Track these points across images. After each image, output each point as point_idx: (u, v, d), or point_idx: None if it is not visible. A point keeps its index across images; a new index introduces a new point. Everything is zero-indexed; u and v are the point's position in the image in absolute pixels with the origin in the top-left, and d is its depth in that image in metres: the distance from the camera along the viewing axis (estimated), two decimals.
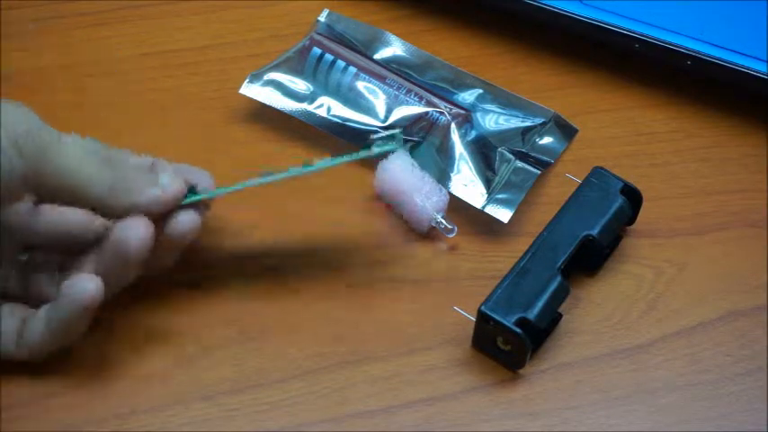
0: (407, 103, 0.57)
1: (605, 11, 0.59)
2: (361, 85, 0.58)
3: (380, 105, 0.57)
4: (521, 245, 0.52)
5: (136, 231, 0.46)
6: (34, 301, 0.48)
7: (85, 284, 0.46)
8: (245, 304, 0.51)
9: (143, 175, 0.47)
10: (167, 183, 0.47)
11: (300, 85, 0.58)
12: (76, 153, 0.46)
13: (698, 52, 0.57)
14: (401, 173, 0.54)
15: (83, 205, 0.47)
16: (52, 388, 0.48)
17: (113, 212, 0.47)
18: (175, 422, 0.48)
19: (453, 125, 0.56)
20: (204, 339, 0.50)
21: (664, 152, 0.58)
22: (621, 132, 0.59)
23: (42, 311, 0.47)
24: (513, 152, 0.56)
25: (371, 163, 0.55)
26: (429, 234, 0.54)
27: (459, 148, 0.56)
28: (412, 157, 0.56)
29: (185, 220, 0.48)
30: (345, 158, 0.51)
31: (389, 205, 0.55)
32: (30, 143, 0.45)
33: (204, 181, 0.49)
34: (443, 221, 0.54)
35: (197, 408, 0.48)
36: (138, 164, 0.48)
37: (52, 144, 0.46)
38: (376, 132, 0.56)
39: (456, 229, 0.54)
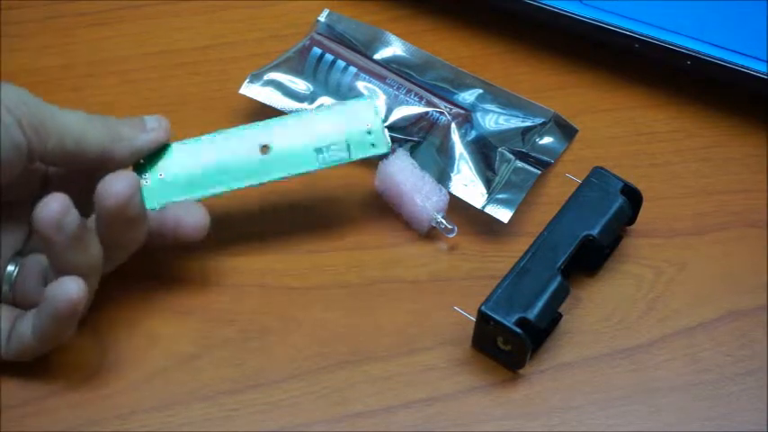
0: (407, 103, 0.57)
1: (605, 11, 0.59)
2: (361, 85, 0.58)
3: (381, 105, 0.57)
4: (521, 245, 0.52)
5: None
6: (25, 305, 0.48)
7: (68, 286, 0.45)
8: (246, 304, 0.51)
9: (133, 124, 0.50)
10: (155, 124, 0.51)
11: (300, 85, 0.58)
12: (75, 120, 0.48)
13: (698, 52, 0.57)
14: (401, 173, 0.54)
15: (86, 164, 0.49)
16: (52, 388, 0.48)
17: (114, 163, 0.49)
18: (175, 422, 0.48)
19: (453, 125, 0.56)
20: (204, 339, 0.50)
21: (664, 152, 0.58)
22: (621, 132, 0.59)
23: (29, 314, 0.47)
24: (513, 152, 0.56)
25: (372, 163, 0.55)
26: (429, 234, 0.54)
27: (459, 148, 0.56)
28: (412, 157, 0.56)
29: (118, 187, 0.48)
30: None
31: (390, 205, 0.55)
32: (32, 119, 0.46)
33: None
34: (443, 221, 0.54)
35: (197, 408, 0.48)
36: (126, 119, 0.50)
37: (53, 115, 0.47)
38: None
39: (456, 229, 0.54)
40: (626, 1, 0.59)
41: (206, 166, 0.51)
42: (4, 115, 0.45)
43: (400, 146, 0.56)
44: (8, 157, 0.46)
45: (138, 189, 0.47)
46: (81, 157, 0.48)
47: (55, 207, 0.45)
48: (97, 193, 0.47)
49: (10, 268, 0.49)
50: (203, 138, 0.52)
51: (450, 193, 0.55)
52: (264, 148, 0.52)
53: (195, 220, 0.50)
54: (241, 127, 0.52)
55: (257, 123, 0.52)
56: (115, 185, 0.46)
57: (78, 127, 0.48)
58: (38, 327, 0.47)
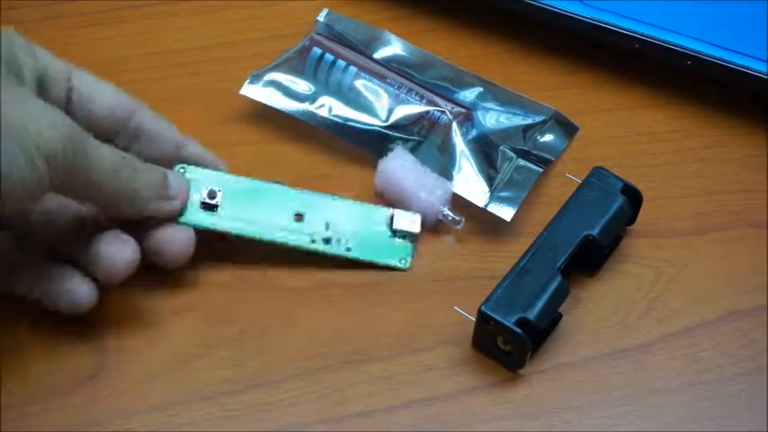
0: (408, 102, 0.57)
1: (605, 11, 0.59)
2: (361, 85, 0.58)
3: (381, 105, 0.57)
4: (521, 245, 0.52)
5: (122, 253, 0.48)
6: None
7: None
8: (246, 304, 0.51)
9: (152, 182, 0.49)
10: (175, 191, 0.50)
11: (301, 85, 0.58)
12: (109, 165, 0.46)
13: (698, 52, 0.57)
14: (402, 170, 0.54)
15: (95, 206, 0.48)
16: (53, 388, 0.48)
17: (121, 215, 0.49)
18: (175, 422, 0.48)
19: (454, 124, 0.56)
20: (204, 339, 0.50)
21: (664, 152, 0.58)
22: (621, 132, 0.59)
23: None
24: (514, 150, 0.56)
25: (371, 162, 0.55)
26: (434, 229, 0.54)
27: (460, 146, 0.56)
28: (413, 156, 0.56)
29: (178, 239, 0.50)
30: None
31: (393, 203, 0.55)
32: (65, 166, 0.44)
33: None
34: (450, 213, 0.54)
35: (197, 408, 0.48)
36: (151, 171, 0.49)
37: (89, 165, 0.45)
38: (380, 133, 0.56)
39: (463, 220, 0.54)
40: (626, 1, 0.59)
41: (245, 207, 0.52)
42: (40, 161, 0.43)
43: (399, 143, 0.56)
44: (21, 194, 0.44)
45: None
46: (94, 201, 0.48)
47: (128, 256, 0.48)
48: (156, 244, 0.49)
49: None
50: (246, 179, 0.53)
51: (452, 192, 0.55)
52: (298, 216, 0.53)
53: (179, 248, 0.50)
54: (281, 185, 0.53)
55: (300, 190, 0.53)
56: (177, 246, 0.50)
57: (105, 179, 0.46)
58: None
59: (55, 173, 0.44)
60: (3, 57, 0.45)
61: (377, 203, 0.54)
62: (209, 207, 0.51)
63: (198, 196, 0.51)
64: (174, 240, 0.50)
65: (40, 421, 0.47)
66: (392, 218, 0.53)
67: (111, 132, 0.50)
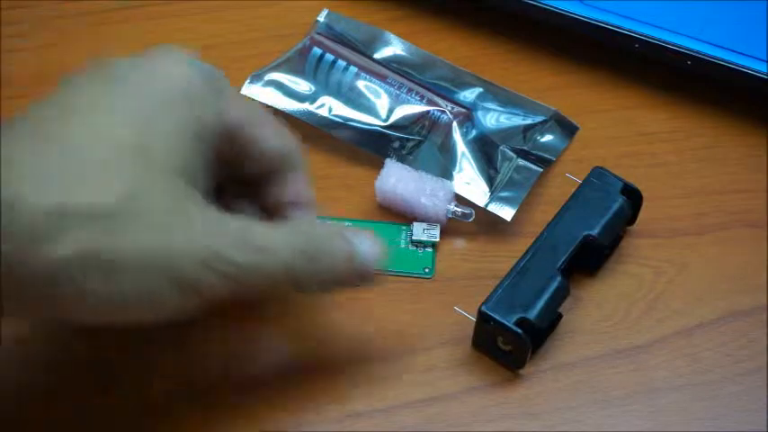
0: (408, 102, 0.57)
1: (605, 11, 0.59)
2: (362, 85, 0.58)
3: (382, 104, 0.57)
4: (521, 245, 0.52)
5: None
6: None
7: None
8: (246, 304, 0.51)
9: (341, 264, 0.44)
10: (367, 250, 0.45)
11: (301, 85, 0.58)
12: (284, 258, 0.42)
13: (698, 52, 0.57)
14: (399, 183, 0.54)
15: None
16: (52, 388, 0.48)
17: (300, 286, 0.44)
18: (176, 422, 0.48)
19: (455, 124, 0.56)
20: (204, 339, 0.50)
21: (664, 152, 0.58)
22: (621, 132, 0.59)
23: None
24: (514, 150, 0.56)
25: (371, 162, 0.55)
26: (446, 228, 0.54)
27: (460, 146, 0.56)
28: (413, 156, 0.56)
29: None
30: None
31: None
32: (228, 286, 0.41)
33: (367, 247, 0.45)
34: (458, 209, 0.54)
35: (199, 408, 0.48)
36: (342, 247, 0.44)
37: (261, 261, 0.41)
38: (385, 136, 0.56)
39: (473, 212, 0.54)
40: (626, 1, 0.59)
41: None
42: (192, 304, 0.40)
43: (389, 156, 0.55)
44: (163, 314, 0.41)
45: None
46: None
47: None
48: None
49: None
50: None
51: (454, 189, 0.55)
52: None
53: None
54: None
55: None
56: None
57: (285, 268, 0.42)
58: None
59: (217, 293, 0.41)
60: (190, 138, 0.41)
61: (391, 220, 0.55)
62: None
63: None
64: None
65: (40, 421, 0.47)
66: (411, 230, 0.54)
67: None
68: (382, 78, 0.58)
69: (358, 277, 0.44)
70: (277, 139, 0.46)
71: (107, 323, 0.40)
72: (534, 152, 0.56)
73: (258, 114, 0.46)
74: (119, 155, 0.39)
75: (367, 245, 0.45)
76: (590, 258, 0.52)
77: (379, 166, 0.55)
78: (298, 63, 0.59)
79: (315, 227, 0.46)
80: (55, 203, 0.37)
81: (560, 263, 0.50)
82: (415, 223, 0.54)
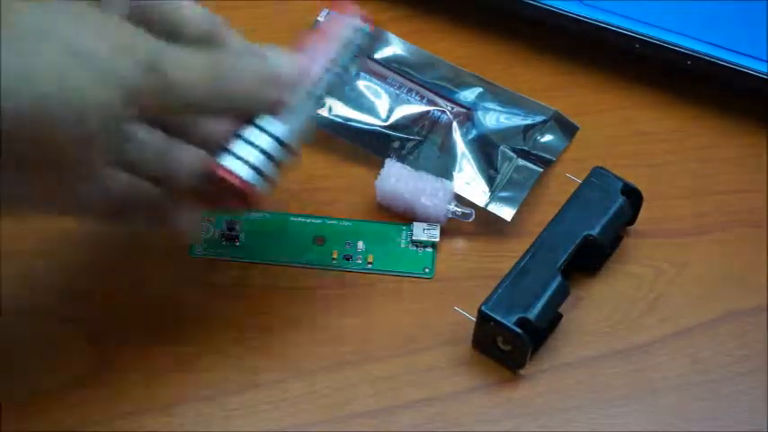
0: (409, 102, 0.57)
1: (605, 11, 0.59)
2: (362, 85, 0.58)
3: (382, 104, 0.57)
4: (521, 245, 0.52)
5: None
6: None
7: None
8: (246, 304, 0.51)
9: (260, 75, 0.44)
10: (284, 63, 0.44)
11: None
12: (199, 70, 0.42)
13: (698, 52, 0.57)
14: (399, 183, 0.54)
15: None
16: (53, 388, 0.48)
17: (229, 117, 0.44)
18: (175, 422, 0.48)
19: (455, 123, 0.56)
20: (204, 339, 0.50)
21: (663, 152, 0.58)
22: (621, 132, 0.59)
23: None
24: (514, 150, 0.56)
25: (371, 162, 0.55)
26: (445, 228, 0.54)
27: (460, 146, 0.56)
28: (413, 156, 0.56)
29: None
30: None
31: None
32: (139, 68, 0.40)
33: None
34: (458, 209, 0.54)
35: (197, 408, 0.48)
36: (258, 69, 0.44)
37: (172, 63, 0.41)
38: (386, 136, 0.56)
39: (473, 212, 0.54)
40: (626, 1, 0.59)
41: (265, 237, 0.53)
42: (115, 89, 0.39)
43: (389, 157, 0.55)
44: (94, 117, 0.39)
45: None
46: (192, 113, 0.44)
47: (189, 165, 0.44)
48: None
49: None
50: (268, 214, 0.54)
51: (454, 189, 0.55)
52: (320, 240, 0.53)
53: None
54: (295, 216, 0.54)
55: (316, 217, 0.54)
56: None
57: (196, 92, 0.42)
58: None
59: (137, 99, 0.40)
60: None
61: (391, 220, 0.55)
62: (230, 238, 0.53)
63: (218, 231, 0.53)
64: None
65: (40, 422, 0.47)
66: (411, 230, 0.54)
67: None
68: (382, 78, 0.58)
69: (271, 91, 0.44)
70: (194, 9, 0.46)
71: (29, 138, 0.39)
72: (534, 152, 0.56)
73: None
74: None
75: (283, 60, 0.44)
76: (590, 258, 0.52)
77: (379, 166, 0.55)
78: None
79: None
80: None
81: (560, 263, 0.50)
82: (415, 223, 0.54)
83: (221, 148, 0.44)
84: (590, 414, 0.49)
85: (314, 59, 0.46)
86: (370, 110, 0.57)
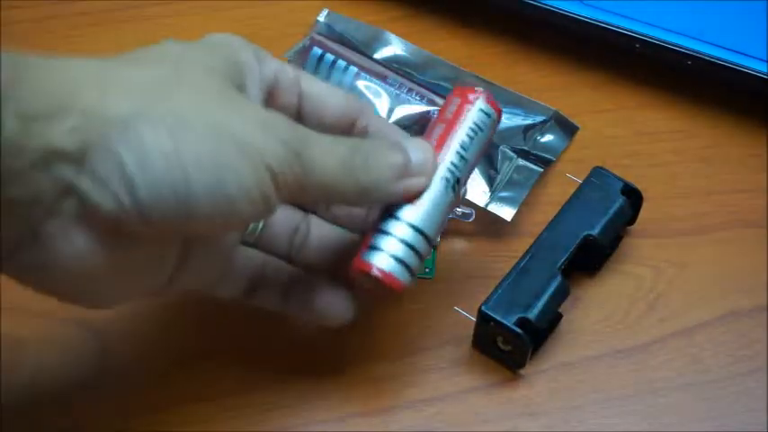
0: (409, 102, 0.57)
1: (605, 11, 0.58)
2: (362, 85, 0.58)
3: (382, 104, 0.57)
4: (521, 245, 0.52)
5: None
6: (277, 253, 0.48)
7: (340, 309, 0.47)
8: (245, 305, 0.51)
9: (395, 165, 0.43)
10: (420, 162, 0.44)
11: None
12: (337, 161, 0.42)
13: (698, 52, 0.57)
14: None
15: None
16: (52, 388, 0.48)
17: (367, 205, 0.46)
18: (175, 422, 0.48)
19: None
20: (204, 340, 0.50)
21: (664, 152, 0.58)
22: (621, 132, 0.59)
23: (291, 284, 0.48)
24: (514, 150, 0.56)
25: None
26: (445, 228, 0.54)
27: None
28: None
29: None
30: None
31: None
32: (289, 158, 0.40)
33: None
34: (459, 209, 0.54)
35: (197, 408, 0.48)
36: (386, 151, 0.44)
37: (312, 153, 0.41)
38: None
39: (473, 212, 0.54)
40: (627, 1, 0.59)
41: None
42: (264, 174, 0.39)
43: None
44: (251, 218, 0.42)
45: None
46: (333, 201, 0.46)
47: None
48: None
49: None
50: None
51: None
52: None
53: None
54: None
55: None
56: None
57: (333, 187, 0.42)
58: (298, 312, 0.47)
59: (281, 182, 0.39)
60: (222, 66, 0.41)
61: None
62: None
63: None
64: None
65: (41, 422, 0.47)
66: None
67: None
68: (382, 78, 0.58)
69: (406, 182, 0.44)
70: (333, 90, 0.47)
71: (173, 224, 0.38)
72: (534, 152, 0.56)
73: (305, 73, 0.47)
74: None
75: (417, 149, 0.44)
76: (590, 258, 0.52)
77: None
78: (298, 63, 0.59)
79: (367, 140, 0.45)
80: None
81: (560, 263, 0.50)
82: None
83: (367, 245, 0.45)
84: (590, 414, 0.49)
85: (446, 147, 0.45)
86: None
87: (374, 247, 0.44)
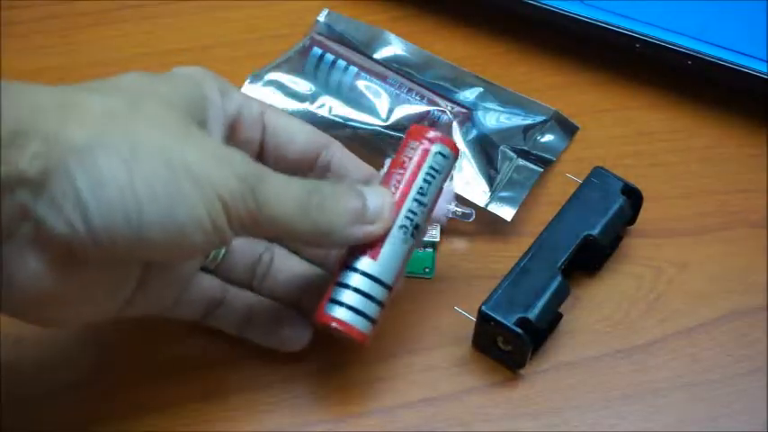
0: (409, 102, 0.57)
1: (605, 11, 0.58)
2: (362, 85, 0.58)
3: (382, 104, 0.57)
4: (521, 245, 0.52)
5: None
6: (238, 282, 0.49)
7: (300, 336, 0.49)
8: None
9: (347, 211, 0.44)
10: (378, 210, 0.45)
11: (301, 85, 0.58)
12: (293, 202, 0.42)
13: (698, 52, 0.57)
14: None
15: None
16: (52, 388, 0.48)
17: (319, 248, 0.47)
18: (176, 422, 0.48)
19: (455, 124, 0.56)
20: (205, 340, 0.50)
21: (664, 152, 0.58)
22: (621, 132, 0.59)
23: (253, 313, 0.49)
24: (514, 150, 0.56)
25: (371, 162, 0.55)
26: (445, 228, 0.54)
27: (461, 146, 0.56)
28: None
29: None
30: None
31: None
32: (246, 219, 0.41)
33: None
34: (459, 209, 0.54)
35: (197, 408, 0.48)
36: (344, 193, 0.44)
37: (268, 192, 0.41)
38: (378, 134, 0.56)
39: (473, 212, 0.54)
40: (627, 1, 0.59)
41: None
42: (217, 206, 0.40)
43: (389, 156, 0.55)
44: (203, 249, 0.43)
45: None
46: (286, 240, 0.46)
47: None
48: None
49: None
50: None
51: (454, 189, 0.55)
52: None
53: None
54: None
55: None
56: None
57: (289, 225, 0.42)
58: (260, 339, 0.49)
59: (234, 216, 0.40)
60: (182, 100, 0.42)
61: None
62: None
63: None
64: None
65: (41, 422, 0.47)
66: None
67: (301, 171, 0.47)
68: (382, 78, 0.58)
69: (361, 227, 0.44)
70: (299, 125, 0.47)
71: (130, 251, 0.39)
72: (534, 152, 0.56)
73: (271, 106, 0.47)
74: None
75: (375, 195, 0.45)
76: (590, 258, 0.52)
77: (379, 166, 0.55)
78: (298, 63, 0.59)
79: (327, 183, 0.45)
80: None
81: (560, 263, 0.50)
82: None
83: (328, 297, 0.45)
84: (590, 414, 0.49)
85: (404, 195, 0.46)
86: (370, 110, 0.57)
87: (334, 300, 0.45)
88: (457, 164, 0.55)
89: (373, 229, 0.44)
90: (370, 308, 0.45)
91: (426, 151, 0.46)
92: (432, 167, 0.46)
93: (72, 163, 0.37)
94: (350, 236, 0.44)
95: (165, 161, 0.39)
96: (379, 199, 0.45)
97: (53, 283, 0.39)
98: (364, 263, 0.45)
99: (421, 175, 0.46)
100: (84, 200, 0.37)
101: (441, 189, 0.47)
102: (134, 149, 0.38)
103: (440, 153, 0.46)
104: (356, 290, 0.45)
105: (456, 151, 0.47)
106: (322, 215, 0.43)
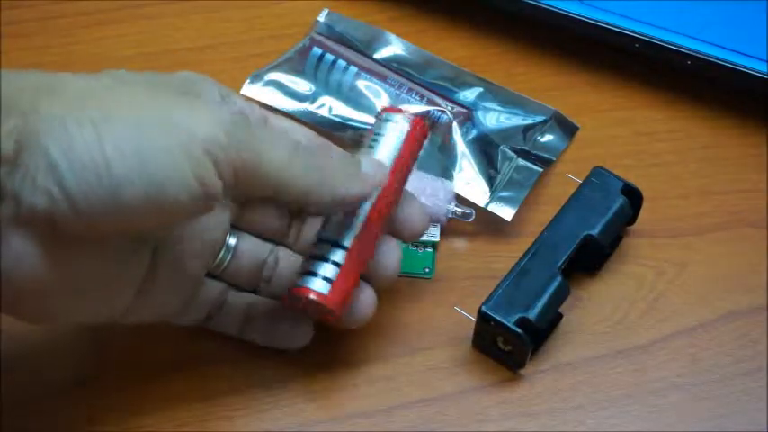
0: (409, 102, 0.57)
1: (605, 11, 0.59)
2: (362, 85, 0.58)
3: (382, 104, 0.57)
4: (521, 245, 0.52)
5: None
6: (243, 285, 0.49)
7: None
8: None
9: (345, 169, 0.44)
10: (370, 171, 0.45)
11: (301, 85, 0.58)
12: (279, 166, 0.41)
13: (698, 52, 0.57)
14: None
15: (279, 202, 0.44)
16: (52, 388, 0.48)
17: (311, 209, 0.45)
18: (176, 422, 0.48)
19: (455, 123, 0.56)
20: (205, 340, 0.50)
21: (664, 152, 0.58)
22: (621, 132, 0.59)
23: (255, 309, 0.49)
24: (514, 150, 0.56)
25: None
26: (445, 228, 0.54)
27: (461, 146, 0.56)
28: None
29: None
30: None
31: None
32: (237, 167, 0.40)
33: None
34: (459, 209, 0.54)
35: (197, 408, 0.48)
36: (339, 156, 0.45)
37: (260, 162, 0.41)
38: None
39: (473, 212, 0.54)
40: (626, 1, 0.59)
41: None
42: (200, 157, 0.39)
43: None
44: (190, 207, 0.40)
45: None
46: (278, 197, 0.44)
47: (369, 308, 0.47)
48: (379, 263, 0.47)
49: (231, 241, 0.48)
50: None
51: (454, 189, 0.55)
52: None
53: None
54: None
55: None
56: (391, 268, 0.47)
57: (281, 175, 0.41)
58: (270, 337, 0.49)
59: (225, 166, 0.39)
60: (179, 91, 0.42)
61: None
62: None
63: None
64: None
65: (41, 421, 0.47)
66: None
67: None
68: (382, 78, 0.58)
69: (356, 185, 0.44)
70: (299, 129, 0.48)
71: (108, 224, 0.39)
72: (534, 152, 0.56)
73: (273, 111, 0.48)
74: None
75: (370, 163, 0.45)
76: (590, 258, 0.52)
77: None
78: (298, 63, 0.59)
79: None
80: None
81: (560, 263, 0.50)
82: None
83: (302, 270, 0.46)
84: (590, 414, 0.49)
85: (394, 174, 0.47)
86: (371, 110, 0.57)
87: (312, 273, 0.45)
88: (457, 164, 0.55)
89: (363, 187, 0.44)
90: (322, 268, 0.45)
91: (418, 138, 0.47)
92: (417, 153, 0.48)
93: (43, 132, 0.37)
94: (340, 191, 0.43)
95: (136, 119, 0.38)
96: (372, 166, 0.45)
97: (41, 269, 0.38)
98: (332, 233, 0.46)
99: (412, 162, 0.48)
100: (54, 163, 0.37)
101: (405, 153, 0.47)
102: (107, 114, 0.38)
103: (425, 138, 0.48)
104: (311, 256, 0.45)
105: (427, 129, 0.48)
106: (313, 164, 0.43)
